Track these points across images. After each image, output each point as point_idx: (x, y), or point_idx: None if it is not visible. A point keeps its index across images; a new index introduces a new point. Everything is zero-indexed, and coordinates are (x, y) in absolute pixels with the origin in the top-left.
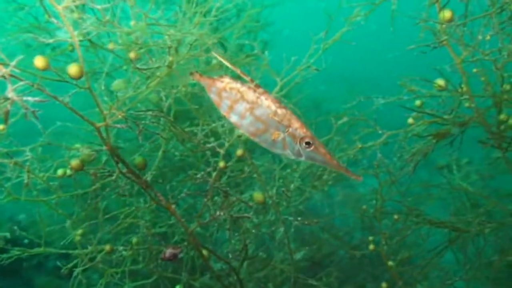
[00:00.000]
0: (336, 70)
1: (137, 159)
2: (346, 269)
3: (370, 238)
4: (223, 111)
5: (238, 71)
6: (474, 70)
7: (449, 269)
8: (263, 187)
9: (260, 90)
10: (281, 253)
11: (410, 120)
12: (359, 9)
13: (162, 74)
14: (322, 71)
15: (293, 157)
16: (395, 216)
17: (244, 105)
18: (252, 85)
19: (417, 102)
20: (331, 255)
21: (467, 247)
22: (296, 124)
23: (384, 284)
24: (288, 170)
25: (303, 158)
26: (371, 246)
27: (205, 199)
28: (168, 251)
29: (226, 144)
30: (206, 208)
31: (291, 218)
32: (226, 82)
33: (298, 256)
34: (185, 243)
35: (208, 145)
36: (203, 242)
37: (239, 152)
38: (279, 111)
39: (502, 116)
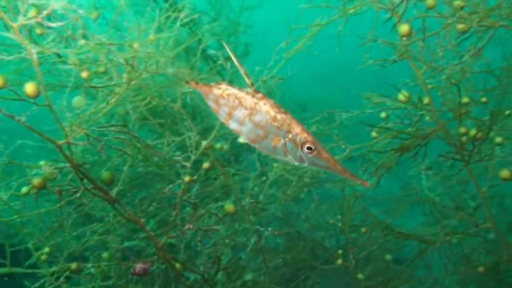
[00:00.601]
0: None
1: (104, 174)
2: (328, 274)
3: (339, 251)
4: (222, 118)
5: (242, 71)
6: (429, 86)
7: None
8: (235, 197)
9: (259, 95)
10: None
11: (374, 134)
12: (319, 19)
13: (121, 91)
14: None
15: (296, 163)
16: (363, 230)
17: (242, 111)
18: (250, 91)
19: (383, 115)
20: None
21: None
22: (296, 129)
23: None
24: (264, 178)
25: (306, 164)
26: (339, 261)
27: (174, 212)
28: (138, 266)
29: (193, 157)
30: (176, 220)
31: (262, 228)
32: (223, 88)
33: (272, 264)
34: (156, 257)
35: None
36: (178, 253)
37: (205, 165)
38: (279, 116)
39: (462, 129)
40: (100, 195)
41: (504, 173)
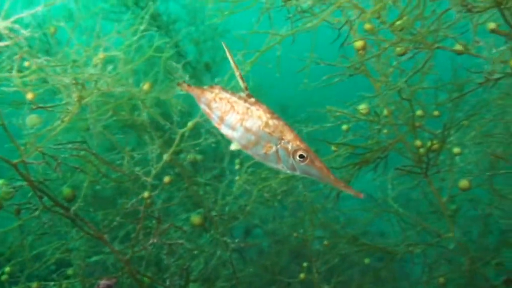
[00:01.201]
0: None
1: (65, 191)
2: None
3: (305, 264)
4: (215, 122)
5: (237, 74)
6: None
7: None
8: (205, 208)
9: (252, 100)
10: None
11: (334, 148)
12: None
13: (74, 109)
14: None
15: (288, 171)
16: (325, 242)
17: (234, 116)
18: (243, 95)
19: (344, 127)
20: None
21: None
22: (289, 136)
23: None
24: (233, 188)
25: (298, 173)
26: (302, 275)
27: (138, 226)
28: (102, 283)
29: (153, 172)
30: (139, 235)
31: (229, 240)
32: (215, 92)
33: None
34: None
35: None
36: (147, 266)
37: (166, 179)
38: (271, 122)
39: (417, 142)
40: (60, 212)
41: (463, 183)
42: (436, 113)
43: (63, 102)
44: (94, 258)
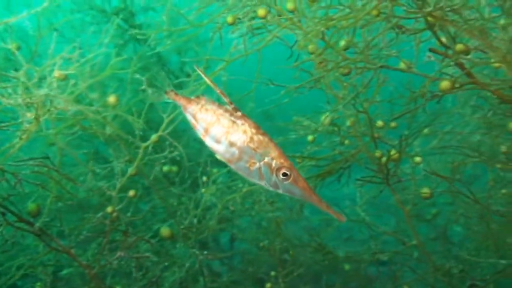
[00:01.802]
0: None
1: (30, 206)
2: None
3: (272, 273)
4: (200, 133)
5: (218, 91)
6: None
7: None
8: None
9: (238, 114)
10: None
11: (298, 160)
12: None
13: (31, 127)
14: None
15: (270, 188)
16: (290, 252)
17: (219, 129)
18: (229, 108)
19: (309, 138)
20: None
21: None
22: (273, 153)
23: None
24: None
25: (280, 191)
26: (268, 285)
27: (104, 240)
28: None
29: (118, 185)
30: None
31: (197, 252)
32: (202, 103)
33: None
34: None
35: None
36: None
37: (131, 192)
38: (256, 137)
39: (377, 153)
40: (24, 228)
41: (424, 191)
42: (393, 124)
43: (19, 120)
44: (65, 271)
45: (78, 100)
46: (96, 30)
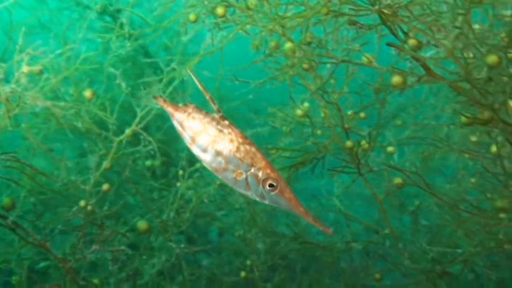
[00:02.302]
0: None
1: (4, 200)
2: None
3: (248, 262)
4: (187, 141)
5: (208, 96)
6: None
7: None
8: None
9: (225, 122)
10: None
11: (272, 151)
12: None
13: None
14: None
15: (257, 199)
16: (259, 246)
17: (206, 138)
18: (217, 117)
19: (285, 129)
20: None
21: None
22: (260, 163)
23: None
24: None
25: (266, 201)
26: (242, 273)
27: (79, 234)
28: None
29: (92, 180)
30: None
31: (174, 245)
32: (189, 111)
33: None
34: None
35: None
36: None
37: (105, 186)
38: (242, 147)
39: (348, 143)
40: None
41: (397, 180)
42: (362, 115)
43: None
44: (41, 265)
45: (58, 95)
46: (82, 26)
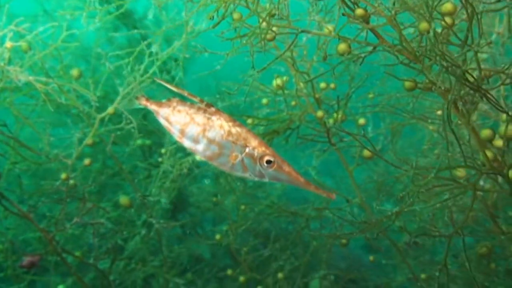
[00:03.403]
0: None
1: None
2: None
3: (224, 228)
4: (176, 136)
5: (185, 93)
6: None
7: None
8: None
9: (212, 109)
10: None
11: (249, 121)
12: None
13: None
14: None
15: (256, 179)
16: (242, 207)
17: (195, 128)
18: (202, 105)
19: (264, 101)
20: None
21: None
22: (253, 142)
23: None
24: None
25: (266, 179)
26: (218, 236)
27: (62, 206)
28: (26, 259)
29: (74, 155)
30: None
31: (154, 221)
32: (173, 105)
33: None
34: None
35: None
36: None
37: (86, 161)
38: (233, 130)
39: (319, 113)
40: None
41: (366, 153)
42: (332, 85)
43: None
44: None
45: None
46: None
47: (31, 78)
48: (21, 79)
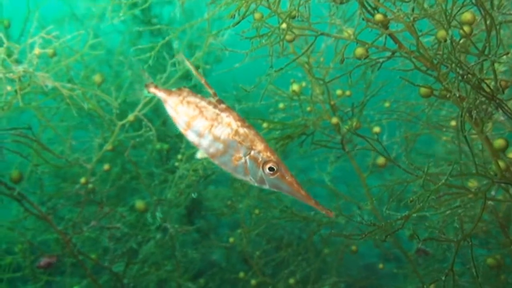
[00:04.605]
0: None
1: (13, 173)
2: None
3: (238, 231)
4: (181, 127)
5: (203, 81)
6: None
7: None
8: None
9: (222, 106)
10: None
11: (265, 125)
12: None
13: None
14: None
15: (255, 184)
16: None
17: (202, 122)
18: (213, 100)
19: (281, 105)
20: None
21: None
22: (259, 146)
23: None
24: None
25: (266, 186)
26: (231, 239)
27: (80, 209)
28: (44, 260)
29: (94, 159)
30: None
31: (169, 226)
32: (183, 95)
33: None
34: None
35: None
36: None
37: (106, 166)
38: (241, 130)
39: (334, 120)
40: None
41: (380, 160)
42: (347, 92)
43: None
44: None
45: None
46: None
47: (57, 83)
48: (48, 85)
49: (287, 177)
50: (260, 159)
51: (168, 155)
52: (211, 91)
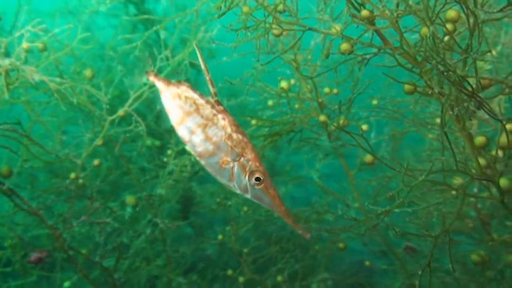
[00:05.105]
0: None
1: (2, 168)
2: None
3: (228, 228)
4: (173, 121)
5: (208, 77)
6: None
7: None
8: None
9: (220, 107)
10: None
11: (254, 122)
12: None
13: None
14: None
15: (238, 191)
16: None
17: (197, 119)
18: (211, 100)
19: (270, 102)
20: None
21: None
22: (250, 154)
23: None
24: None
25: (248, 195)
26: (220, 236)
27: (70, 204)
28: (34, 255)
29: (84, 154)
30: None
31: (159, 221)
32: (182, 89)
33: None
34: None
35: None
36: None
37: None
38: (235, 135)
39: (322, 117)
40: None
41: (368, 158)
42: (335, 90)
43: None
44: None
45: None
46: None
47: (45, 78)
48: (35, 78)
49: (270, 191)
50: (248, 167)
51: (160, 150)
52: (212, 90)
